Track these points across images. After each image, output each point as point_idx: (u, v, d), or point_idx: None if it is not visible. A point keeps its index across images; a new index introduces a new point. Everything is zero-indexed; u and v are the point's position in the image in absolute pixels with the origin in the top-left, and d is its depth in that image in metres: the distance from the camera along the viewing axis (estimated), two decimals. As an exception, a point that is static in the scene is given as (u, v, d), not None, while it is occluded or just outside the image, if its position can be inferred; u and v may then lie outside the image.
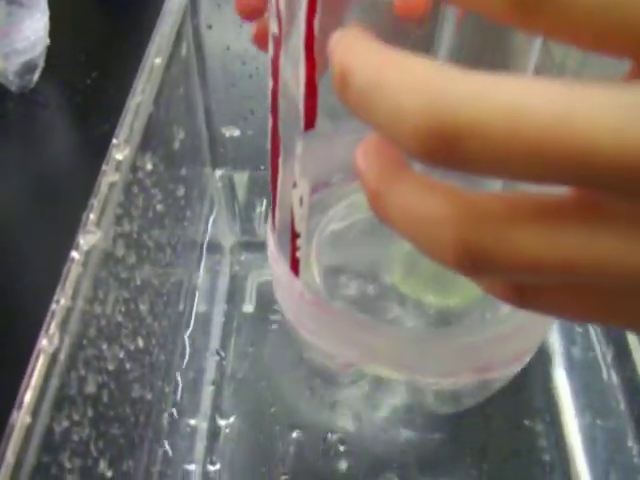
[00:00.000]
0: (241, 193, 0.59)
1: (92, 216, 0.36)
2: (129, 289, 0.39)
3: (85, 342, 0.32)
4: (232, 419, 0.47)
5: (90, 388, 0.33)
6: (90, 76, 0.81)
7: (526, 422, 0.46)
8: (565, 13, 0.14)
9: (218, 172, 0.60)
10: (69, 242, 0.34)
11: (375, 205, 0.18)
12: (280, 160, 0.31)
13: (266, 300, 0.54)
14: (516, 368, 0.36)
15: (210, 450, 0.46)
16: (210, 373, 0.50)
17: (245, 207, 0.59)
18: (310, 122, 0.26)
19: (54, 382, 0.29)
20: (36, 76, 0.78)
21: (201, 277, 0.56)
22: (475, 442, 0.45)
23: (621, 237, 0.15)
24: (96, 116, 0.74)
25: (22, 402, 0.28)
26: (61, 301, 0.32)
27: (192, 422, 0.47)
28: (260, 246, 0.56)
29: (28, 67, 0.75)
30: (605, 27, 0.14)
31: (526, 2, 0.15)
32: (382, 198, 0.17)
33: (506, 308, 0.33)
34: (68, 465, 0.30)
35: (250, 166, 0.59)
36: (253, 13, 0.30)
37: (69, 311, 0.32)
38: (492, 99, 0.14)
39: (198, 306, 0.53)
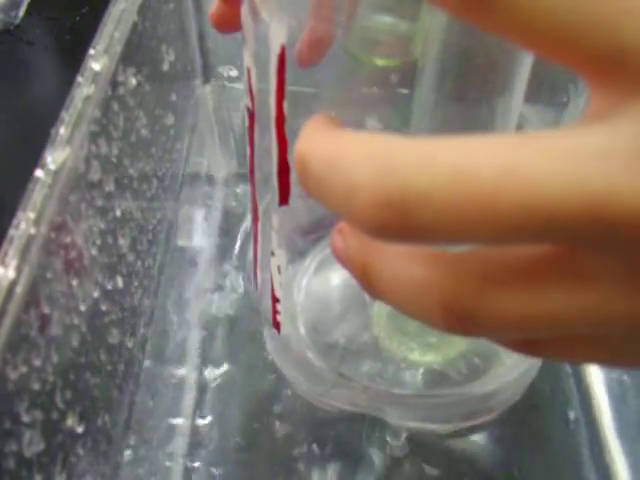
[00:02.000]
0: (237, 122, 0.54)
1: (62, 131, 0.31)
2: (106, 220, 0.33)
3: (50, 275, 0.27)
4: (224, 368, 0.42)
5: (55, 329, 0.28)
6: (79, 12, 0.75)
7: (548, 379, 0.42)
8: (515, 11, 0.14)
9: (211, 98, 0.54)
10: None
11: (364, 282, 0.18)
12: (258, 226, 0.31)
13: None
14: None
15: (199, 402, 0.41)
16: (201, 317, 0.45)
17: (241, 137, 0.54)
18: (284, 198, 0.27)
19: (9, 320, 0.24)
20: (21, 12, 0.72)
21: (191, 212, 0.51)
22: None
23: (597, 287, 0.15)
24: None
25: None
26: (21, 225, 0.27)
27: (179, 372, 0.42)
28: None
29: (13, 2, 0.70)
30: (554, 32, 0.14)
31: None
32: (368, 274, 0.18)
33: (490, 363, 0.33)
34: (26, 418, 0.25)
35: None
36: (228, 27, 0.28)
37: (31, 238, 0.27)
38: (435, 164, 0.14)
39: (187, 244, 0.48)
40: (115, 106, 0.35)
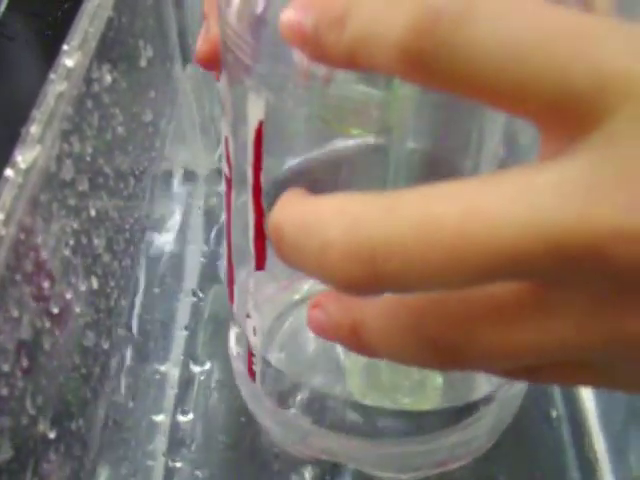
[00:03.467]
0: (218, 116, 0.53)
1: (33, 129, 0.30)
2: (80, 220, 0.33)
3: (19, 278, 0.27)
4: (207, 365, 0.42)
5: (25, 334, 0.27)
6: (61, 8, 0.73)
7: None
8: (462, 66, 0.14)
9: (192, 94, 0.53)
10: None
11: (355, 342, 0.18)
12: (235, 288, 0.32)
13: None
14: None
15: (181, 399, 0.40)
16: (183, 317, 0.44)
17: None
18: (260, 263, 0.27)
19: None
20: (2, 6, 0.71)
21: (172, 211, 0.50)
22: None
23: (567, 317, 0.15)
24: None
25: None
26: (-11, 228, 0.26)
27: (162, 368, 0.41)
28: None
29: (-9, -6, 0.68)
30: (503, 85, 0.14)
31: (421, 51, 0.14)
32: (358, 332, 0.18)
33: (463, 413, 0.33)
34: (-5, 425, 0.25)
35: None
36: (212, 64, 0.28)
37: (-1, 240, 0.26)
38: (398, 215, 0.15)
39: (167, 243, 0.47)
40: (89, 103, 0.34)
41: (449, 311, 0.16)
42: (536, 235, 0.14)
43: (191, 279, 0.47)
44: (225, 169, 0.28)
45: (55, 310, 0.30)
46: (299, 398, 0.33)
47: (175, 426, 0.40)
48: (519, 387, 0.34)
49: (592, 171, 0.14)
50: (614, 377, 0.17)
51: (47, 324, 0.29)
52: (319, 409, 0.32)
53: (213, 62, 0.28)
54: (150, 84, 0.45)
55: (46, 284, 0.29)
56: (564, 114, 0.14)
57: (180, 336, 0.44)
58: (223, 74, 0.27)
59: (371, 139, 0.29)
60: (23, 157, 0.29)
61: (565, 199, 0.14)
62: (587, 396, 0.41)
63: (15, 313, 0.26)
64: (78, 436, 0.32)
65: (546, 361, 0.17)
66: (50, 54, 0.69)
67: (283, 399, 0.33)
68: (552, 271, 0.14)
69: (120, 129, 0.39)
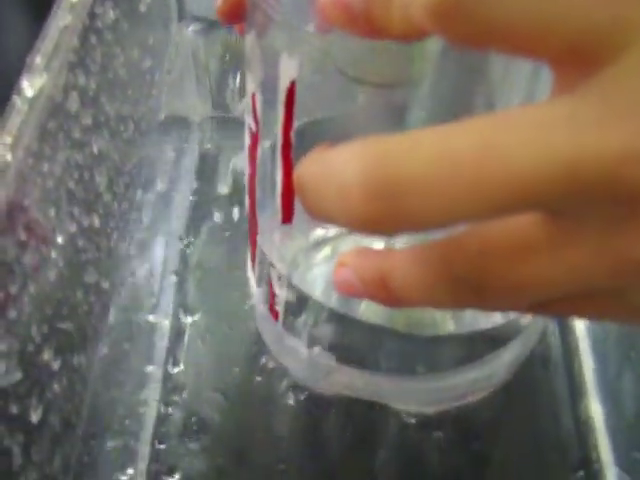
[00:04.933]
0: (213, 64, 0.52)
1: (38, 59, 0.30)
2: (84, 155, 0.32)
3: (27, 203, 0.26)
4: (198, 316, 0.42)
5: (31, 258, 0.27)
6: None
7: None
8: (487, 17, 0.15)
9: (189, 42, 0.52)
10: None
11: (384, 294, 0.19)
12: (258, 239, 0.32)
13: (242, 182, 0.48)
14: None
15: (172, 350, 0.40)
16: (173, 262, 0.44)
17: (217, 81, 0.52)
18: (287, 217, 0.28)
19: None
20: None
21: (167, 156, 0.49)
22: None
23: (581, 246, 0.16)
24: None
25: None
26: (-3, 152, 0.26)
27: (151, 318, 0.41)
28: (234, 122, 0.49)
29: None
30: (530, 30, 0.15)
31: (447, 7, 0.15)
32: (387, 283, 0.18)
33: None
34: (1, 347, 0.24)
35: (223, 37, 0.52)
36: (235, 18, 0.28)
37: (6, 164, 0.26)
38: (418, 151, 0.15)
39: (163, 187, 0.47)
40: (93, 39, 0.34)
41: (472, 248, 0.17)
42: (550, 165, 0.14)
43: (179, 223, 0.46)
44: (251, 124, 0.28)
45: (60, 241, 0.29)
46: (323, 336, 0.33)
47: (167, 374, 0.39)
48: (538, 323, 0.35)
49: (604, 102, 0.14)
50: (624, 306, 0.18)
51: (53, 254, 0.29)
52: (343, 346, 0.33)
53: (235, 17, 0.27)
54: (149, 31, 0.45)
55: (52, 213, 0.28)
56: (582, 51, 0.15)
57: (170, 283, 0.43)
58: (250, 31, 0.26)
59: (393, 93, 0.29)
60: (30, 84, 0.28)
61: (578, 129, 0.14)
62: (583, 342, 0.42)
63: (21, 237, 0.26)
64: (79, 372, 0.32)
65: (560, 293, 0.17)
66: (37, 13, 0.68)
67: (306, 338, 0.33)
68: (566, 200, 0.14)
69: (121, 71, 0.38)
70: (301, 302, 0.33)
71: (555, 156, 0.14)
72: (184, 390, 0.38)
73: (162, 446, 0.37)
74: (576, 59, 0.15)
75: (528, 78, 0.26)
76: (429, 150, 0.15)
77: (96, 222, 0.34)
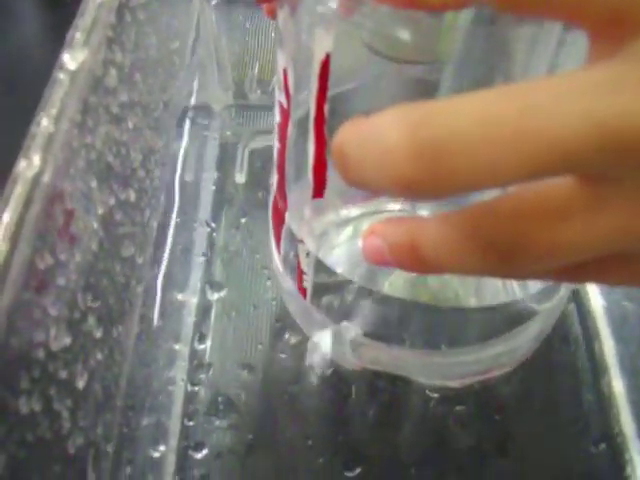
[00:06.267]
0: (235, 50, 0.53)
1: (78, 34, 0.30)
2: (121, 129, 0.33)
3: (73, 172, 0.27)
4: (223, 293, 0.42)
5: (77, 227, 0.27)
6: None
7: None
8: None
9: (211, 26, 0.53)
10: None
11: (415, 261, 0.19)
12: (286, 216, 0.32)
13: (259, 169, 0.49)
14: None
15: (199, 326, 0.40)
16: (200, 245, 0.44)
17: (236, 67, 0.52)
18: (319, 191, 0.28)
19: (36, 209, 0.24)
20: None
21: (189, 143, 0.50)
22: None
23: (615, 210, 0.16)
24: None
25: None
26: (42, 122, 0.26)
27: (179, 297, 0.42)
28: (253, 109, 0.51)
29: None
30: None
31: None
32: (418, 250, 0.18)
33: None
34: (53, 312, 0.25)
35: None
36: None
37: (52, 134, 0.26)
38: (461, 114, 0.15)
39: (187, 174, 0.47)
40: (128, 16, 0.34)
41: (505, 213, 0.17)
42: (591, 128, 0.14)
43: (205, 209, 0.47)
44: (282, 100, 0.28)
45: (100, 211, 0.30)
46: (350, 311, 0.33)
47: (194, 351, 0.40)
48: (560, 299, 0.35)
49: None
50: None
51: (95, 224, 0.29)
52: (370, 321, 0.33)
53: None
54: (175, 13, 0.45)
55: (93, 184, 0.29)
56: (621, 18, 0.15)
57: (198, 263, 0.44)
58: (283, 7, 0.27)
59: (420, 70, 0.29)
60: (72, 57, 0.29)
61: (620, 92, 0.14)
62: (602, 319, 0.42)
63: (69, 206, 0.26)
64: (118, 342, 0.33)
65: (591, 256, 0.17)
66: (46, 4, 0.68)
67: (336, 313, 0.33)
68: (606, 163, 0.15)
69: (152, 50, 0.39)
70: (329, 278, 0.33)
71: (596, 119, 0.14)
72: (211, 367, 0.39)
73: (191, 423, 0.37)
74: (615, 26, 0.16)
75: (552, 53, 0.26)
76: (473, 111, 0.15)
77: (132, 197, 0.34)
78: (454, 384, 0.36)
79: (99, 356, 0.29)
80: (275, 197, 0.34)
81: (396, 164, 0.16)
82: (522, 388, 0.38)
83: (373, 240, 0.20)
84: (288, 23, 0.27)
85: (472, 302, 0.36)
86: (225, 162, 0.49)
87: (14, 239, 0.22)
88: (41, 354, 0.24)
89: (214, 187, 0.47)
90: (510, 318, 0.33)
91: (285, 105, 0.28)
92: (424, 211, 0.36)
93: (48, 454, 0.25)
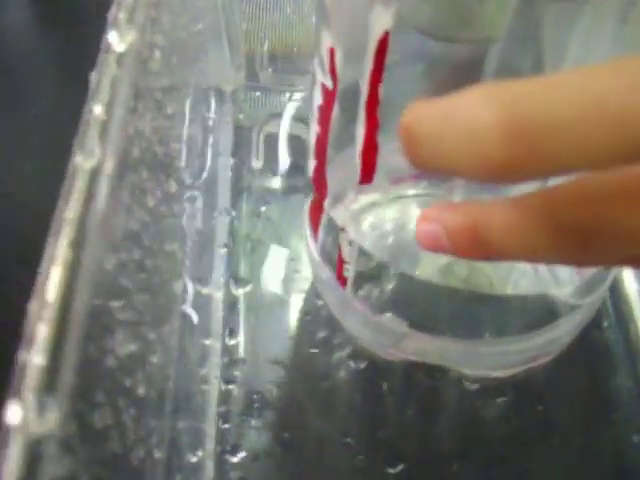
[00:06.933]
0: (247, 29, 0.50)
1: (122, 14, 0.28)
2: (162, 116, 0.31)
3: (129, 163, 0.25)
4: (250, 287, 0.40)
5: (134, 222, 0.25)
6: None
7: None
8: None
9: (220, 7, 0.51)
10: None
11: (475, 244, 0.18)
12: (325, 204, 0.31)
13: (276, 154, 0.47)
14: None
15: (228, 322, 0.39)
16: (222, 235, 0.42)
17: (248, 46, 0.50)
18: (367, 176, 0.27)
19: (97, 206, 0.22)
20: None
21: (202, 127, 0.48)
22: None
23: None
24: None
25: (62, 223, 0.20)
26: (95, 110, 0.24)
27: (205, 291, 0.40)
28: (264, 90, 0.50)
29: None
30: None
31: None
32: (479, 233, 0.18)
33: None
34: (120, 316, 0.23)
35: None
36: None
37: (106, 122, 0.24)
38: (560, 93, 0.14)
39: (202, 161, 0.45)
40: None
41: (587, 195, 0.16)
42: None
43: (224, 197, 0.45)
44: (327, 82, 0.27)
45: (151, 204, 0.28)
46: (394, 301, 0.32)
47: (225, 347, 0.38)
48: (606, 288, 0.34)
49: None
50: None
51: (147, 218, 0.27)
52: (414, 311, 0.32)
53: None
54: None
55: (145, 174, 0.27)
56: None
57: (220, 255, 0.42)
58: None
59: (467, 50, 0.28)
60: (119, 34, 0.27)
61: None
62: (637, 306, 0.41)
63: (127, 199, 0.25)
64: (164, 343, 0.31)
65: None
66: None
67: (378, 304, 0.33)
68: None
69: (183, 32, 0.37)
70: (372, 267, 0.32)
71: None
72: (243, 364, 0.38)
73: (226, 425, 0.36)
74: None
75: (613, 32, 0.25)
76: (570, 91, 0.14)
77: (173, 188, 0.32)
78: (499, 374, 0.35)
79: (154, 359, 0.28)
80: (312, 183, 0.33)
81: (486, 146, 0.15)
82: (560, 376, 0.37)
83: (428, 226, 0.19)
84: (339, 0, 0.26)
85: (508, 289, 0.35)
86: (240, 147, 0.47)
87: (80, 241, 0.20)
88: (111, 362, 0.22)
89: (231, 173, 0.46)
90: (555, 308, 0.33)
91: (330, 87, 0.27)
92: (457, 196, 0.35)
93: (117, 469, 0.23)
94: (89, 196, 0.22)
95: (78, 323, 0.19)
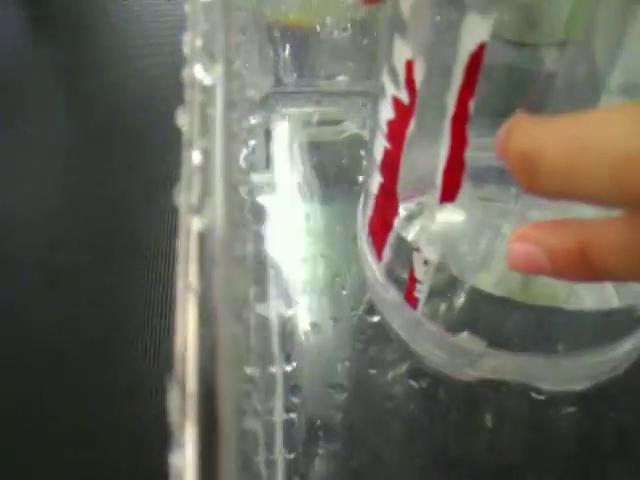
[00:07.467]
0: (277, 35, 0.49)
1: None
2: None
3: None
4: (298, 307, 0.39)
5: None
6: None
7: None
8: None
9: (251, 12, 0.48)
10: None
11: (584, 268, 0.18)
12: (396, 222, 0.30)
13: (315, 165, 0.46)
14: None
15: (283, 347, 0.38)
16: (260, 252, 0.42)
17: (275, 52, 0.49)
18: (449, 195, 0.26)
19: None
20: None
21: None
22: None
23: None
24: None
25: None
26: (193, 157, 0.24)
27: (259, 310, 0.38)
28: (291, 97, 0.49)
29: None
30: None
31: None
32: (587, 251, 0.17)
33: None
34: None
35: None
36: None
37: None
38: None
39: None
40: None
41: None
42: None
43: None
44: (402, 97, 0.26)
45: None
46: (470, 320, 0.32)
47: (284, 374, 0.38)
48: None
49: None
50: None
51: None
52: (492, 329, 0.31)
53: None
54: None
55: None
56: None
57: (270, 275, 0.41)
58: None
59: (539, 53, 0.28)
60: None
61: None
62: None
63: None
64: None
65: None
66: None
67: (452, 323, 0.32)
68: None
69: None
70: (447, 285, 0.32)
71: None
72: (300, 390, 0.37)
73: (292, 455, 0.35)
74: None
75: None
76: None
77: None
78: (580, 387, 0.34)
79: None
80: (377, 202, 0.32)
81: (637, 177, 0.15)
82: (629, 382, 0.36)
83: (524, 246, 0.19)
84: (420, 8, 0.24)
85: (570, 304, 0.34)
86: (274, 160, 0.47)
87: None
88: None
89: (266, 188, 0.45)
90: (637, 317, 0.32)
91: (406, 102, 0.26)
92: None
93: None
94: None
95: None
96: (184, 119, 0.26)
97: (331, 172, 0.46)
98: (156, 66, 0.56)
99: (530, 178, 0.17)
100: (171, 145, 0.25)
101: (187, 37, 0.28)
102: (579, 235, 0.18)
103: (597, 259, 0.17)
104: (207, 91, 0.27)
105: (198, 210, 0.23)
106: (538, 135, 0.17)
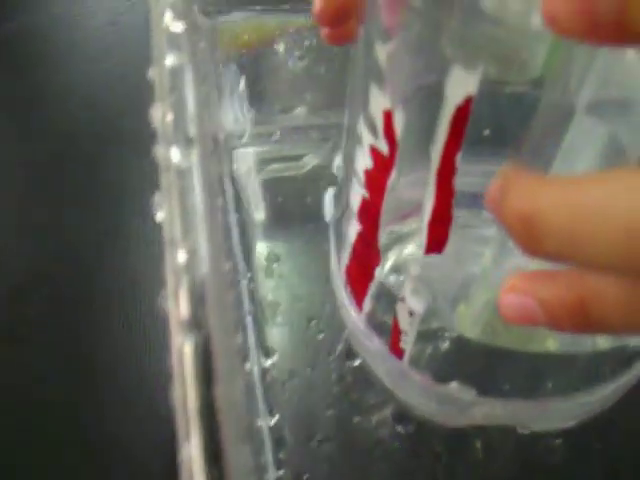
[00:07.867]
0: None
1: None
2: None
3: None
4: (276, 357, 0.38)
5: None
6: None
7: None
8: None
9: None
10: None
11: (582, 321, 0.17)
12: (377, 272, 0.29)
13: (278, 203, 0.45)
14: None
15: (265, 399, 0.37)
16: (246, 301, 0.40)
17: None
18: (436, 246, 0.25)
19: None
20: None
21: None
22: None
23: None
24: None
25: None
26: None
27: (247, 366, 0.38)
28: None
29: None
30: None
31: None
32: (586, 314, 0.17)
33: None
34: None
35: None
36: (341, 18, 0.24)
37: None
38: None
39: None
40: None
41: None
42: None
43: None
44: (381, 147, 0.25)
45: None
46: (458, 369, 0.31)
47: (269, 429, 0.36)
48: None
49: None
50: None
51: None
52: (481, 377, 0.31)
53: (344, 17, 0.24)
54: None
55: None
56: None
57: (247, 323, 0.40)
58: (389, 38, 0.23)
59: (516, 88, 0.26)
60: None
61: None
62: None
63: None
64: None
65: None
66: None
67: (439, 373, 0.31)
68: None
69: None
70: (432, 334, 0.31)
71: None
72: (286, 443, 0.36)
73: None
74: None
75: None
76: None
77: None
78: (568, 425, 0.34)
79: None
80: (355, 250, 0.31)
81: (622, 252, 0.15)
82: (613, 414, 0.35)
83: (518, 298, 0.18)
84: (399, 57, 0.23)
85: (551, 347, 0.33)
86: (239, 199, 0.45)
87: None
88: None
89: (238, 228, 0.43)
90: (629, 354, 0.32)
91: (386, 153, 0.25)
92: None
93: None
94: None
95: None
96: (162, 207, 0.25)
97: (297, 210, 0.44)
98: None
99: (532, 242, 0.16)
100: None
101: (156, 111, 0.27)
102: (577, 289, 0.17)
103: (597, 314, 0.17)
104: (184, 175, 0.25)
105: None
106: (539, 198, 0.16)
